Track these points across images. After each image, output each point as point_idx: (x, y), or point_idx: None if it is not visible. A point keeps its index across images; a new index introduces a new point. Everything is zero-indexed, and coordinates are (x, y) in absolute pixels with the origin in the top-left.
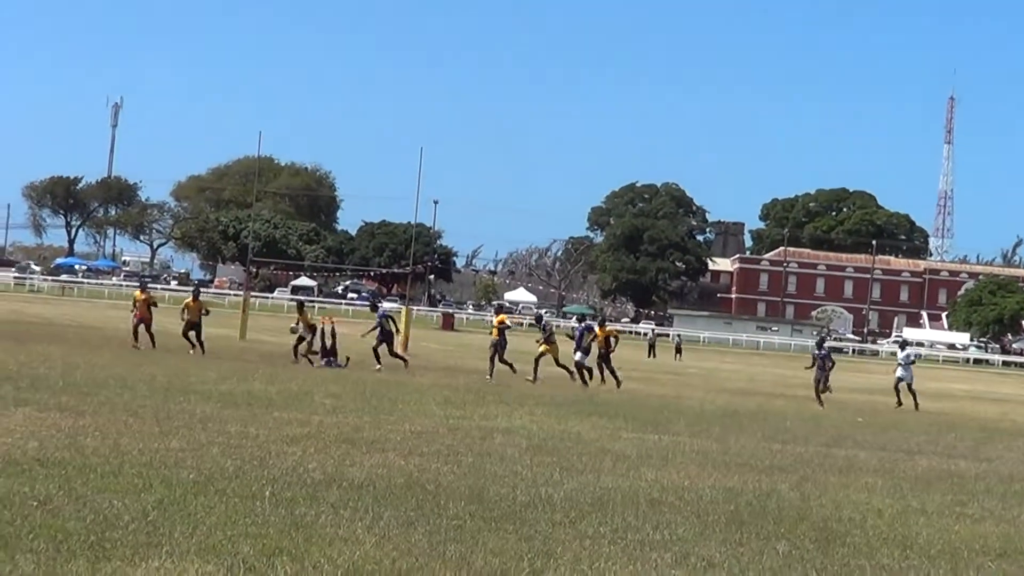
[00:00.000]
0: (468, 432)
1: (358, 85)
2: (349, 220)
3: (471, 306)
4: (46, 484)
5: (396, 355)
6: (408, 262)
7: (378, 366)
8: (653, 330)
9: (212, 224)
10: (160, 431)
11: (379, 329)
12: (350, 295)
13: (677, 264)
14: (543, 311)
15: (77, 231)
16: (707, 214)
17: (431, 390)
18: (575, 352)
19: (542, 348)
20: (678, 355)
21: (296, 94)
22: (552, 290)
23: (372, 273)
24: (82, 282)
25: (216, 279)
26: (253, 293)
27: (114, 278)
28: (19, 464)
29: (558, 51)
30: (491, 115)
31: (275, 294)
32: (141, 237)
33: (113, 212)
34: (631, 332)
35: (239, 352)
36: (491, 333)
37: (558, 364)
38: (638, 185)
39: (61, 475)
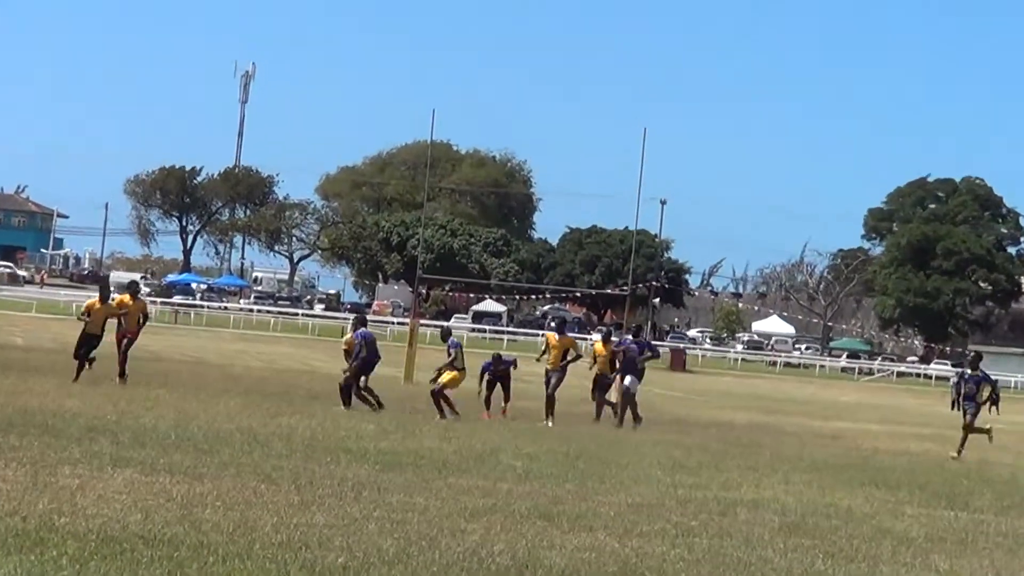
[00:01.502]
0: (703, 505)
1: (557, 50)
2: (549, 225)
3: (708, 339)
4: (151, 569)
5: (363, 395)
6: (626, 281)
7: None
8: (959, 374)
9: (370, 230)
10: (300, 501)
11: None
12: (550, 323)
13: (981, 285)
14: (449, 325)
15: (195, 239)
16: (1021, 218)
17: (654, 450)
18: (623, 375)
19: (446, 376)
20: (993, 407)
21: (479, 60)
22: (815, 319)
23: (579, 295)
24: (200, 305)
25: (375, 302)
26: (423, 321)
27: (243, 300)
28: (118, 543)
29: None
30: (730, 87)
31: (452, 322)
32: (277, 247)
33: (242, 214)
34: (917, 375)
35: (404, 398)
36: None
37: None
38: (930, 180)
39: (172, 557)
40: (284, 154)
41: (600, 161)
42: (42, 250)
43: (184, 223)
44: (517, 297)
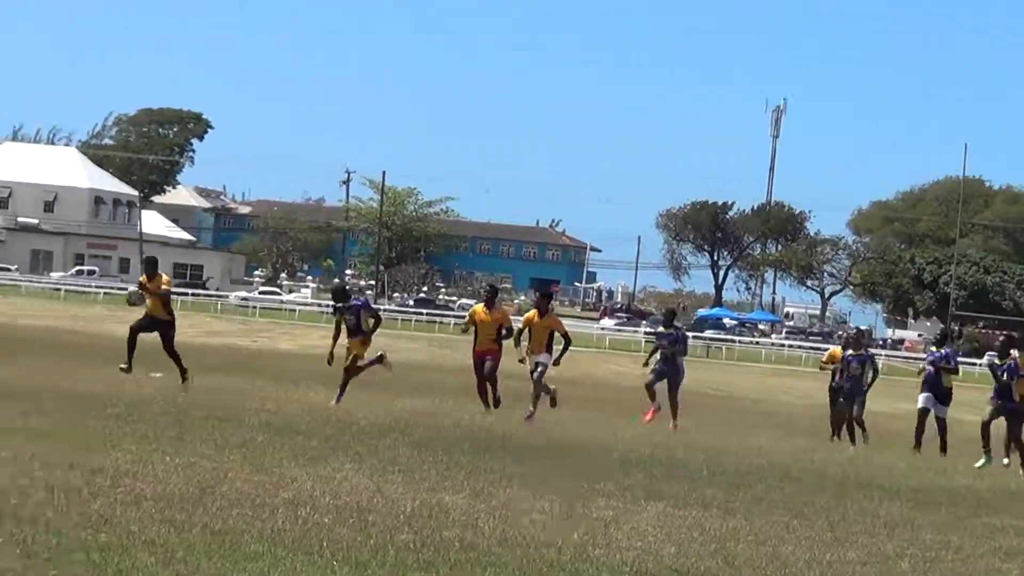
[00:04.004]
0: None
1: None
2: None
3: None
4: None
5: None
6: None
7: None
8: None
9: (902, 266)
10: (833, 537)
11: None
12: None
13: None
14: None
15: (726, 273)
16: None
17: None
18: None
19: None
20: None
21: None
22: None
23: None
24: (732, 340)
25: (906, 341)
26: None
27: (774, 335)
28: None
29: None
30: None
31: (984, 360)
32: (808, 282)
33: (773, 249)
34: None
35: (934, 436)
36: None
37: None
38: None
39: None
40: (816, 189)
41: None
42: (575, 283)
43: (715, 257)
44: None
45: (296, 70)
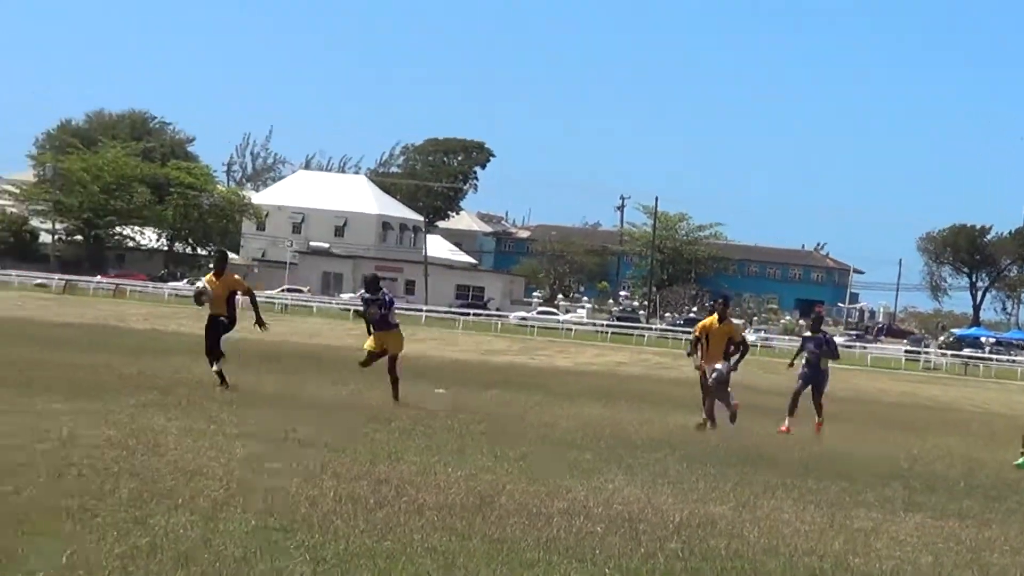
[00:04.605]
0: None
1: None
2: None
3: None
4: None
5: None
6: None
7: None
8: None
9: None
10: None
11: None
12: None
13: None
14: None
15: (984, 294)
16: None
17: None
18: None
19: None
20: None
21: None
22: None
23: None
24: (989, 358)
25: None
26: None
27: None
28: None
29: None
30: None
31: None
32: None
33: None
34: None
35: None
36: None
37: (392, 372)
38: None
39: None
40: None
41: None
42: (839, 304)
43: (974, 279)
44: None
45: (576, 100)
